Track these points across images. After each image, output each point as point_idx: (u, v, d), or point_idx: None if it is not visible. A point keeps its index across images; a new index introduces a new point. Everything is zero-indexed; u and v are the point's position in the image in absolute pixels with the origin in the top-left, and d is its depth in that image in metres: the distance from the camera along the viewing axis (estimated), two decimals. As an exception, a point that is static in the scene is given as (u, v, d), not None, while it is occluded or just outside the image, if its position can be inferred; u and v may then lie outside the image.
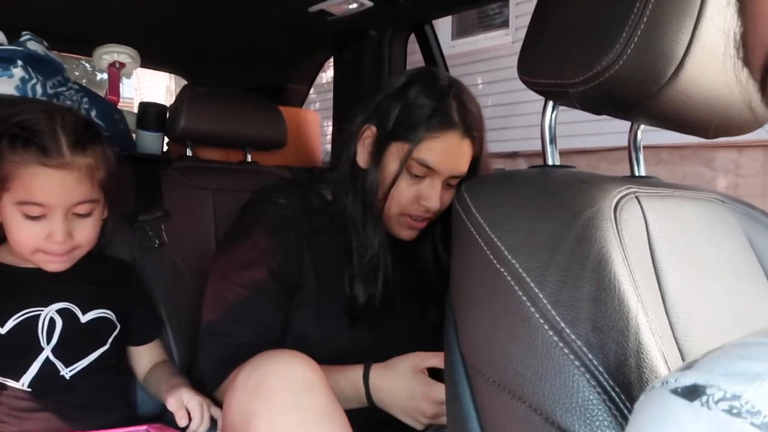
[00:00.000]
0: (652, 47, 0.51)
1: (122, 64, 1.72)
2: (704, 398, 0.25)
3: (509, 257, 0.49)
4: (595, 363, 0.42)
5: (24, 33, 1.39)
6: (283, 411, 0.76)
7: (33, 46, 1.37)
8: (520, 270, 0.48)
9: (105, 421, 0.95)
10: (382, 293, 1.03)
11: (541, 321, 0.45)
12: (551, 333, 0.45)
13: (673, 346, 0.46)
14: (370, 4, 1.33)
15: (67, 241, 0.94)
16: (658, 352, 0.43)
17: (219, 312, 1.03)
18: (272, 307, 1.03)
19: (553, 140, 0.65)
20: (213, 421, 0.93)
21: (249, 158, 1.56)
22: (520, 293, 0.47)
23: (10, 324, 0.93)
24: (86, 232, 0.98)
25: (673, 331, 0.47)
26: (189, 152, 1.47)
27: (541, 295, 0.46)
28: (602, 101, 0.56)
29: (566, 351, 0.43)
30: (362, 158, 1.08)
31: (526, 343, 0.46)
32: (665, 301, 0.49)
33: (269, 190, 1.13)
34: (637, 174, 0.75)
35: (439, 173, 1.02)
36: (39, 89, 1.28)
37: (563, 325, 0.44)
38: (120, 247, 1.22)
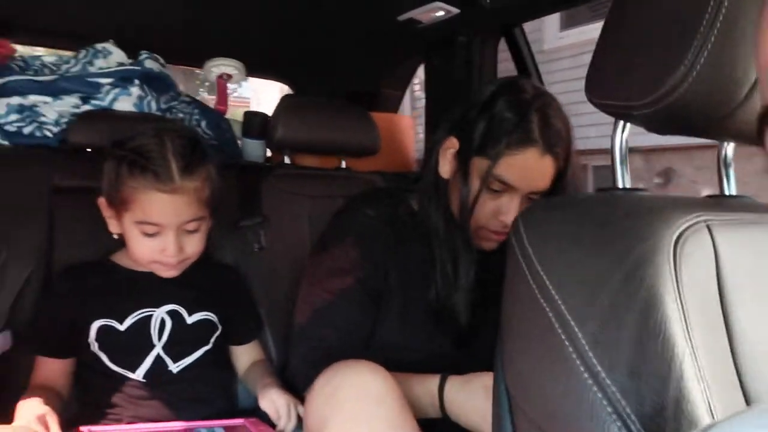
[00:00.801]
0: (723, 64, 0.49)
1: (229, 76, 1.85)
2: None
3: (553, 293, 0.49)
4: (628, 411, 0.42)
5: (142, 52, 1.53)
6: (354, 421, 0.80)
7: (150, 64, 1.51)
8: (563, 307, 0.48)
9: (206, 412, 1.04)
10: (465, 305, 1.05)
11: (578, 362, 0.45)
12: (587, 375, 0.44)
13: (733, 390, 0.44)
14: (457, 11, 1.34)
15: (179, 254, 1.04)
16: (702, 401, 0.41)
17: (309, 316, 1.09)
18: (358, 314, 1.07)
19: (623, 161, 0.63)
20: (300, 420, 0.99)
21: (343, 164, 1.62)
22: (560, 331, 0.47)
23: (128, 322, 1.05)
24: (195, 245, 1.08)
25: (739, 373, 0.45)
26: (287, 159, 1.55)
27: (580, 335, 0.46)
28: (670, 123, 0.55)
29: (600, 395, 0.43)
30: (444, 169, 1.09)
31: (563, 384, 0.46)
32: (732, 341, 0.47)
33: (359, 200, 1.18)
34: (727, 193, 0.71)
35: (517, 189, 1.01)
36: (153, 105, 1.41)
37: (599, 368, 0.44)
38: (224, 251, 1.32)
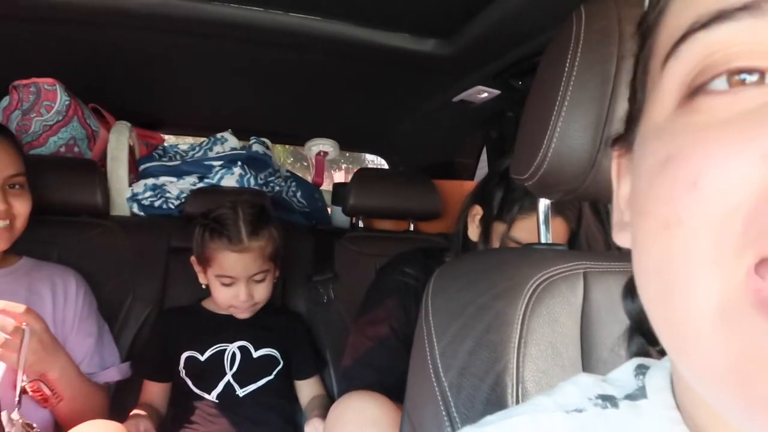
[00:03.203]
0: (569, 145, 0.64)
1: (326, 153, 2.17)
2: None
3: (430, 318, 0.65)
4: (451, 400, 0.57)
5: (252, 138, 1.89)
6: None
7: (256, 147, 1.86)
8: (432, 328, 0.64)
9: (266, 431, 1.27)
10: None
11: (430, 366, 0.61)
12: (432, 375, 0.60)
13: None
14: (497, 92, 1.52)
15: (249, 300, 1.31)
16: (509, 396, 0.56)
17: (352, 359, 1.29)
18: (392, 357, 1.25)
19: (545, 221, 0.79)
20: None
21: (412, 227, 1.82)
22: (426, 345, 0.64)
23: (208, 353, 1.32)
24: (262, 293, 1.34)
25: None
26: (361, 223, 1.80)
27: (436, 347, 0.62)
28: (547, 190, 0.70)
29: (436, 390, 0.59)
30: (473, 233, 1.26)
31: (419, 381, 0.63)
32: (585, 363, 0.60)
33: (398, 259, 1.38)
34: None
35: None
36: (252, 181, 1.74)
37: (441, 370, 0.59)
38: (298, 301, 1.58)
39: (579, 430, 0.36)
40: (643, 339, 0.43)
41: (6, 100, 1.67)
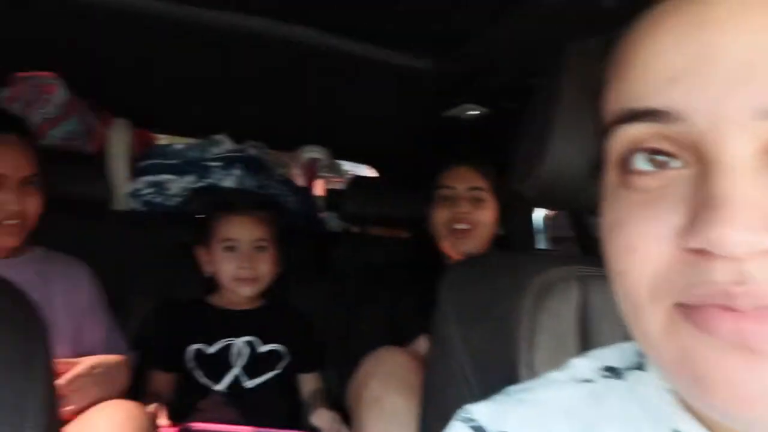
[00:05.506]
0: (565, 156, 0.71)
1: (317, 160, 2.21)
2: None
3: (448, 307, 0.75)
4: (472, 381, 0.66)
5: (249, 141, 1.93)
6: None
7: (252, 150, 1.89)
8: (450, 316, 0.73)
9: (271, 422, 1.30)
10: None
11: (452, 352, 0.71)
12: (453, 360, 0.69)
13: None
14: (485, 110, 1.61)
15: (253, 270, 1.39)
16: (523, 379, 0.63)
17: None
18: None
19: (545, 230, 0.87)
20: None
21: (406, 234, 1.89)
22: (446, 330, 0.73)
23: (216, 346, 1.35)
24: (264, 267, 1.41)
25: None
26: (355, 228, 1.86)
27: (455, 334, 0.71)
28: (545, 199, 0.77)
29: (458, 372, 0.70)
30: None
31: (441, 364, 0.72)
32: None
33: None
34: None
35: None
36: (250, 182, 1.77)
37: (462, 355, 0.69)
38: (297, 301, 1.61)
39: (588, 397, 0.44)
40: None
41: (5, 91, 1.66)
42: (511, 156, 0.81)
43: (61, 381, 1.03)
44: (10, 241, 1.16)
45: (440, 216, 1.47)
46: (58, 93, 1.69)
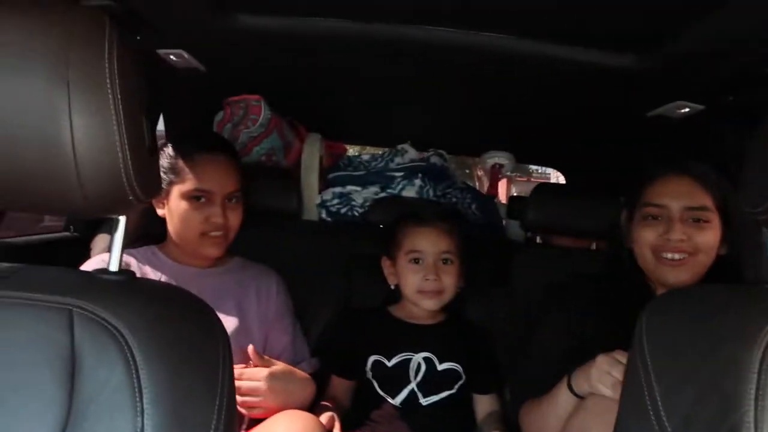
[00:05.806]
0: None
1: (501, 165, 2.16)
2: None
3: (646, 354, 0.63)
4: None
5: (430, 149, 1.94)
6: None
7: (434, 159, 1.90)
8: (650, 366, 0.61)
9: (442, 441, 1.30)
10: None
11: (650, 407, 0.60)
12: (653, 418, 0.58)
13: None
14: (701, 107, 1.41)
15: (439, 282, 1.38)
16: None
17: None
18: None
19: None
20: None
21: (594, 246, 1.75)
22: (644, 382, 0.62)
23: (395, 360, 1.37)
24: (449, 281, 1.40)
25: None
26: (538, 239, 1.76)
27: (655, 388, 0.59)
28: None
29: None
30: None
31: (635, 421, 0.60)
32: None
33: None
34: None
35: None
36: (431, 192, 1.78)
37: (663, 414, 0.58)
38: (474, 314, 1.58)
39: None
40: None
41: (220, 114, 1.87)
42: (733, 162, 0.68)
43: (258, 380, 1.14)
44: (214, 252, 1.30)
45: (645, 239, 1.20)
46: (263, 113, 1.85)
